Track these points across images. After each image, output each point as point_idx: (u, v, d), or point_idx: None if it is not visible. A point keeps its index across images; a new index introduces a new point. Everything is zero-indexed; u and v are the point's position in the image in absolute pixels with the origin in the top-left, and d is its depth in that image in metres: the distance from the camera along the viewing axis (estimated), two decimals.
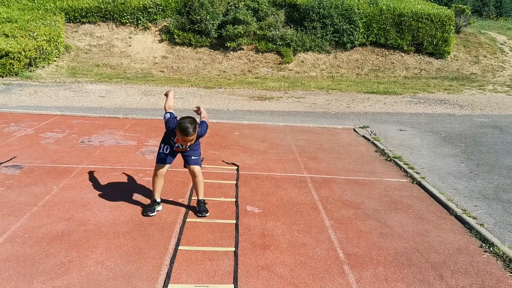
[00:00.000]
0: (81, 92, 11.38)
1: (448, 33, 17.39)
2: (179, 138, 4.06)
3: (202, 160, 6.25)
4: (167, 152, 4.33)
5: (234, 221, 4.38)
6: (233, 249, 3.84)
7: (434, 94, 13.46)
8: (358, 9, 17.13)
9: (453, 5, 20.21)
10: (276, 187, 5.41)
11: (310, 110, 10.46)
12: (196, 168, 4.40)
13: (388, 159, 6.80)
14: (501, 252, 3.92)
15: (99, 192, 4.94)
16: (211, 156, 6.47)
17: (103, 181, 5.30)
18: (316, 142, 7.62)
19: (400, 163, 6.52)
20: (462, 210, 4.84)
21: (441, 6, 18.91)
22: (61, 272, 3.37)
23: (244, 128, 8.36)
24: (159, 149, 4.38)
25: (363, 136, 8.20)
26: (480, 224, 4.50)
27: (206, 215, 4.41)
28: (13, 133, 7.12)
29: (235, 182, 5.49)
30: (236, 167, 6.04)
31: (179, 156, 4.46)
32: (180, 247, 3.82)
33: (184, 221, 4.32)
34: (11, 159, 5.87)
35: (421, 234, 4.33)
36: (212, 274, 3.45)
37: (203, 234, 4.07)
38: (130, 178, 5.46)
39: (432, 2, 21.17)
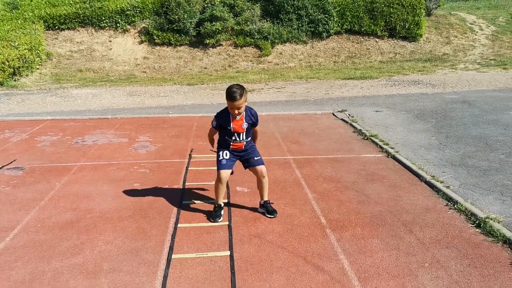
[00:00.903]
0: (68, 97, 11.68)
1: (419, 17, 18.01)
2: (228, 105, 4.10)
3: (192, 151, 6.69)
4: (227, 157, 4.31)
5: (226, 200, 4.82)
6: (227, 223, 4.30)
7: (408, 76, 14.04)
8: None
9: None
10: None
11: (291, 99, 10.93)
12: (263, 168, 4.40)
13: (365, 138, 7.30)
14: (464, 208, 4.44)
15: (100, 185, 5.35)
16: (200, 147, 6.90)
17: (101, 175, 5.70)
18: (297, 128, 8.09)
19: (376, 140, 7.02)
20: (431, 176, 5.36)
21: None
22: (76, 252, 3.79)
23: None
24: (218, 157, 4.34)
25: (342, 119, 8.69)
26: (447, 187, 5.01)
27: (276, 215, 4.42)
28: (9, 139, 7.46)
29: None
30: None
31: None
32: (179, 225, 4.26)
33: (180, 203, 4.75)
34: (11, 162, 6.23)
35: (395, 199, 4.83)
36: (210, 245, 3.90)
37: (199, 214, 4.51)
38: (126, 171, 5.87)
39: None
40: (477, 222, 4.16)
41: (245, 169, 4.52)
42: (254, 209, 4.62)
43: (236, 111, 4.10)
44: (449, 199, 4.72)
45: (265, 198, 4.55)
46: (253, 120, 4.29)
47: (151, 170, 5.86)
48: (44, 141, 7.36)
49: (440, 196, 4.86)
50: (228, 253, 3.76)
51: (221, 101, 10.78)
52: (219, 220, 4.34)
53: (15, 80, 13.62)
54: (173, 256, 3.71)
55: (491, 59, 16.71)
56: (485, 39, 18.98)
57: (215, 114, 4.32)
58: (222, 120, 4.23)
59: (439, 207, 4.59)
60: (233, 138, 4.25)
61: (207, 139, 4.75)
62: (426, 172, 5.49)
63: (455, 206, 4.54)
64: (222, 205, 4.48)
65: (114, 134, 7.77)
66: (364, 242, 3.90)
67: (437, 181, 5.20)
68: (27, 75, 14.36)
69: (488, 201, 4.67)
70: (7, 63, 13.19)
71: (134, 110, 9.83)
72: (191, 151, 6.72)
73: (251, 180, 5.43)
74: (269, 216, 4.41)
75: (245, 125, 4.24)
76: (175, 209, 4.63)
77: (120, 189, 5.20)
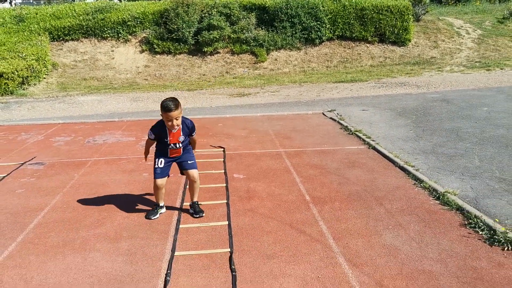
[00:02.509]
0: (75, 104, 12.44)
1: (407, 22, 18.83)
2: (164, 119, 4.21)
3: None
4: (162, 166, 4.49)
5: (225, 184, 5.57)
6: (225, 201, 5.04)
7: (396, 78, 14.83)
8: (323, 6, 18.47)
9: None
10: (257, 160, 6.61)
11: (284, 101, 11.70)
12: (195, 172, 4.59)
13: (350, 133, 8.04)
14: (428, 185, 5.18)
15: (113, 175, 6.09)
16: (200, 143, 7.63)
17: (114, 167, 6.45)
18: (289, 126, 8.84)
19: (360, 134, 7.77)
20: (404, 162, 6.11)
21: None
22: (99, 225, 4.53)
23: (227, 120, 9.54)
24: (154, 164, 4.52)
25: (331, 118, 9.44)
26: (416, 170, 5.76)
27: (203, 215, 4.63)
28: (26, 140, 8.20)
29: (222, 159, 6.68)
30: (222, 149, 7.22)
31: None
32: (184, 203, 5.00)
33: (185, 187, 5.49)
34: (32, 158, 6.97)
35: (370, 180, 5.57)
36: (211, 217, 4.63)
37: (201, 195, 5.24)
38: (135, 164, 6.61)
39: None
40: (437, 196, 4.91)
41: (180, 173, 4.76)
42: (248, 190, 5.35)
43: (174, 122, 4.21)
44: (417, 179, 5.47)
45: (194, 199, 4.76)
46: (188, 131, 4.49)
47: None
48: (59, 141, 8.11)
49: (410, 177, 5.60)
50: (226, 222, 4.50)
51: (219, 104, 11.54)
52: (153, 218, 4.59)
53: (23, 89, 14.38)
54: (181, 226, 4.45)
55: (476, 62, 17.52)
56: (471, 42, 19.81)
57: (151, 126, 4.44)
58: (159, 133, 4.39)
59: (407, 186, 5.33)
60: (170, 146, 4.45)
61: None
62: (400, 159, 6.24)
63: (421, 184, 5.29)
64: (162, 204, 4.74)
65: (122, 134, 8.52)
66: (340, 213, 4.64)
67: (409, 165, 5.95)
68: (35, 84, 15.13)
69: (449, 180, 5.42)
70: (16, 73, 13.95)
71: (139, 114, 10.58)
72: None
73: (246, 169, 6.18)
74: (196, 216, 4.61)
75: (181, 138, 4.44)
76: (180, 192, 5.37)
77: (131, 178, 5.94)
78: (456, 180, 5.41)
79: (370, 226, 4.32)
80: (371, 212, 4.62)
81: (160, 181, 4.53)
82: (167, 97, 4.34)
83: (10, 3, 59.74)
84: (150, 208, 4.87)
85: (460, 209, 4.54)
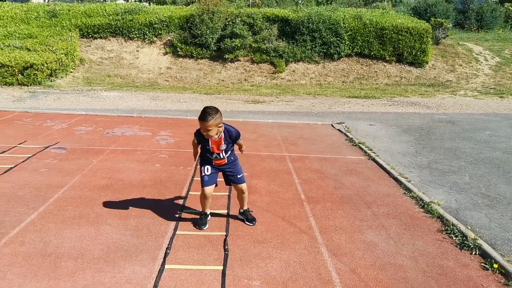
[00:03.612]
0: (98, 98, 13.09)
1: (426, 45, 19.15)
2: (201, 128, 4.15)
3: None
4: (209, 173, 4.39)
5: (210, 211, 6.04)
6: (227, 193, 5.51)
7: (409, 98, 15.18)
8: (343, 23, 18.93)
9: (432, 19, 21.98)
10: (261, 161, 7.07)
11: (296, 111, 12.16)
12: (244, 186, 4.56)
13: (354, 144, 8.46)
14: (416, 195, 5.58)
15: (128, 163, 6.62)
16: None
17: (129, 157, 6.98)
18: (297, 134, 9.29)
19: (363, 146, 8.18)
20: (399, 173, 6.50)
21: (419, 20, 20.69)
22: (111, 204, 5.04)
23: (238, 124, 10.01)
24: (201, 173, 4.43)
25: (338, 130, 9.86)
26: (408, 181, 6.16)
27: (255, 223, 4.64)
28: (51, 127, 8.81)
29: None
30: None
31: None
32: (190, 193, 5.49)
33: (192, 179, 5.98)
34: (56, 143, 7.55)
35: (364, 187, 5.98)
36: (213, 206, 5.08)
37: None
38: (149, 155, 7.13)
39: (412, 16, 23.05)
40: (422, 205, 5.31)
41: (227, 185, 4.69)
42: (249, 186, 5.79)
43: (207, 132, 4.13)
44: (407, 189, 5.87)
45: (245, 208, 4.76)
46: (231, 140, 4.38)
47: (170, 156, 7.12)
48: (81, 130, 8.69)
49: (401, 187, 6.00)
50: (225, 211, 4.97)
51: (234, 109, 12.06)
52: (204, 228, 4.51)
53: (51, 81, 15.12)
54: (184, 211, 4.94)
55: (491, 88, 17.75)
56: (489, 69, 20.03)
57: (196, 129, 4.40)
58: (201, 138, 4.33)
59: (397, 194, 5.74)
60: (214, 156, 4.37)
61: None
62: (396, 171, 6.64)
63: (410, 194, 5.69)
64: (208, 213, 4.65)
65: (139, 128, 9.07)
66: (330, 212, 5.08)
67: (403, 177, 6.34)
68: (62, 77, 15.87)
69: (437, 192, 5.81)
70: (45, 65, 14.70)
71: (157, 112, 11.15)
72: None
73: (250, 168, 6.65)
74: (248, 223, 4.64)
75: (223, 146, 4.33)
76: (187, 182, 5.86)
77: (144, 167, 6.46)
78: (444, 193, 5.80)
79: (355, 225, 4.74)
80: (358, 214, 5.04)
81: (209, 189, 4.39)
82: (210, 106, 4.19)
83: None
84: (159, 192, 5.37)
85: (440, 217, 4.93)
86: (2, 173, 5.88)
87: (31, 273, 3.54)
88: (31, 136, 7.94)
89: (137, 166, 6.49)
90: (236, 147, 4.61)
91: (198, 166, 4.54)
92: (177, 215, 4.81)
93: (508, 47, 22.92)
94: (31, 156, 6.74)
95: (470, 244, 4.24)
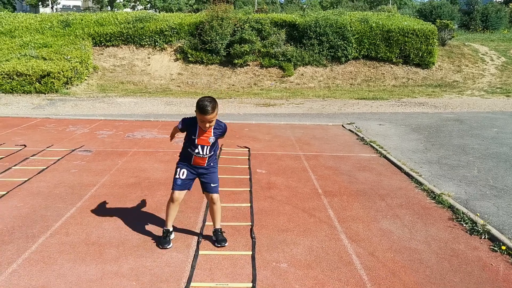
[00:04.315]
0: (113, 104, 13.51)
1: (432, 46, 19.47)
2: (198, 118, 3.88)
3: (220, 150, 8.27)
4: (184, 177, 4.13)
5: (248, 177, 6.39)
6: (249, 189, 5.85)
7: (416, 98, 15.48)
8: (350, 27, 19.29)
9: (438, 20, 22.29)
10: (278, 160, 7.42)
11: (307, 113, 12.50)
12: (215, 196, 4.24)
13: (365, 143, 8.78)
14: (427, 188, 5.90)
15: (152, 163, 6.99)
16: (227, 144, 8.49)
17: (152, 157, 7.35)
18: (310, 134, 9.62)
19: (374, 145, 8.50)
20: (410, 169, 6.82)
21: (425, 22, 21.02)
22: (142, 200, 5.40)
23: (252, 126, 10.39)
24: (175, 174, 4.16)
25: (349, 130, 10.18)
26: (419, 175, 6.48)
27: (225, 244, 4.22)
28: (74, 132, 9.21)
29: (247, 157, 7.51)
30: (247, 149, 8.05)
31: None
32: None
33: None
34: (81, 146, 7.94)
35: (377, 182, 6.31)
36: (236, 200, 5.45)
37: (228, 183, 6.06)
38: (170, 156, 7.49)
39: (418, 18, 23.37)
40: (433, 196, 5.62)
41: (202, 192, 4.36)
42: (269, 182, 6.16)
43: (207, 125, 3.90)
44: (418, 183, 6.18)
45: (217, 226, 4.33)
46: (220, 133, 4.11)
47: None
48: (102, 134, 9.08)
49: (413, 181, 6.32)
50: (248, 205, 5.31)
51: (246, 112, 12.42)
52: (168, 247, 4.12)
53: (67, 88, 15.57)
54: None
55: (497, 87, 18.01)
56: (495, 69, 20.29)
57: (183, 117, 4.20)
58: (189, 128, 4.06)
59: (409, 188, 6.06)
60: (196, 151, 4.04)
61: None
62: (407, 166, 6.96)
63: (421, 187, 6.00)
64: (171, 229, 4.28)
65: (158, 131, 9.45)
66: (347, 204, 5.41)
67: (414, 172, 6.66)
68: (77, 85, 16.32)
69: (447, 185, 6.13)
70: (62, 73, 15.16)
71: (172, 116, 11.54)
72: (221, 145, 8.31)
73: (267, 166, 7.00)
74: (218, 245, 4.20)
75: (211, 139, 4.03)
76: None
77: (167, 167, 6.82)
78: (453, 185, 6.11)
79: (371, 215, 5.07)
80: (373, 205, 5.37)
81: (179, 194, 4.14)
82: (205, 96, 3.94)
83: (52, 8, 62.41)
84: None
85: (451, 207, 5.25)
86: (37, 174, 6.26)
87: (79, 259, 3.90)
88: (56, 140, 8.34)
89: (161, 166, 6.86)
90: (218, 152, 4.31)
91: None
92: (203, 209, 5.15)
93: None
94: (60, 158, 7.12)
95: (480, 229, 4.55)
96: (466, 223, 4.77)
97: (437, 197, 5.56)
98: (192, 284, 3.55)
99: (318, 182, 6.25)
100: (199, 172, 4.18)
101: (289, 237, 4.46)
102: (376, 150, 8.15)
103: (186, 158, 4.16)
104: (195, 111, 3.87)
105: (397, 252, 4.17)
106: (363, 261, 3.98)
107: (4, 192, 5.48)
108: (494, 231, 4.49)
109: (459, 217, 4.94)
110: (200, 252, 4.08)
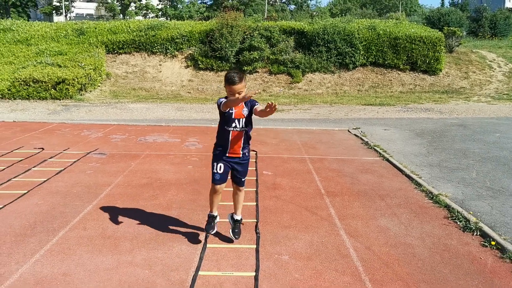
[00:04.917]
0: (126, 110, 13.92)
1: (439, 53, 19.67)
2: (227, 92, 4.13)
3: None
4: (221, 171, 4.32)
5: (255, 178, 6.69)
6: (255, 189, 6.16)
7: (423, 104, 15.70)
8: (358, 34, 19.58)
9: (445, 28, 22.49)
10: (284, 162, 7.72)
11: (314, 118, 12.80)
12: (241, 188, 4.57)
13: (370, 147, 9.04)
14: (425, 189, 6.15)
15: (163, 165, 7.33)
16: None
17: (163, 160, 7.69)
18: (316, 138, 9.91)
19: (378, 149, 8.76)
20: (411, 171, 7.08)
21: (432, 29, 21.23)
22: (153, 198, 5.73)
23: (260, 130, 10.69)
24: (212, 168, 4.35)
25: (354, 134, 10.45)
26: (419, 177, 6.73)
27: (237, 238, 4.49)
28: (88, 136, 9.59)
29: (254, 160, 7.81)
30: (255, 152, 8.36)
31: None
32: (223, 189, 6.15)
33: None
34: (95, 150, 8.31)
35: (378, 183, 6.58)
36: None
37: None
38: (181, 158, 7.83)
39: (426, 25, 23.59)
40: (431, 197, 5.88)
41: (232, 182, 4.57)
42: (274, 183, 6.46)
43: (237, 95, 4.07)
44: (418, 184, 6.44)
45: (238, 215, 4.60)
46: (250, 104, 4.26)
47: (200, 159, 7.80)
48: (116, 138, 9.46)
49: (413, 183, 6.58)
50: (254, 203, 5.62)
51: (254, 117, 12.71)
52: (211, 232, 4.46)
53: (81, 95, 16.05)
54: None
55: (504, 94, 18.15)
56: (502, 75, 20.42)
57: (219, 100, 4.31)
58: (223, 119, 4.31)
59: (408, 189, 6.32)
60: (234, 125, 4.23)
61: None
62: (408, 169, 7.21)
63: (420, 188, 6.26)
64: (215, 214, 4.53)
65: (169, 136, 9.81)
66: (348, 203, 5.69)
67: (414, 174, 6.92)
68: (90, 91, 16.80)
69: (446, 186, 6.38)
70: (76, 80, 15.64)
71: (183, 121, 11.90)
72: None
73: (273, 168, 7.30)
74: (233, 234, 4.49)
75: (245, 111, 4.25)
76: None
77: (178, 168, 7.15)
78: (451, 187, 6.36)
79: (370, 213, 5.34)
80: (373, 204, 5.64)
81: (219, 187, 4.39)
82: (232, 70, 4.24)
83: (66, 16, 63.54)
84: (194, 189, 6.04)
85: (447, 206, 5.50)
86: (55, 174, 6.63)
87: (96, 250, 4.23)
88: (72, 144, 8.72)
89: (172, 168, 7.19)
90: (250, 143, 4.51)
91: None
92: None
93: None
94: (76, 160, 7.49)
95: (472, 226, 4.80)
96: (460, 221, 5.03)
97: (434, 197, 5.81)
98: (200, 272, 3.86)
99: (322, 183, 6.53)
100: (234, 163, 4.37)
101: (291, 232, 4.75)
102: (379, 153, 8.40)
103: (222, 140, 4.32)
104: (224, 86, 4.19)
105: (392, 246, 4.44)
106: (359, 254, 4.26)
107: (25, 191, 5.85)
108: (486, 228, 4.74)
109: (454, 215, 5.19)
110: (208, 245, 4.39)
